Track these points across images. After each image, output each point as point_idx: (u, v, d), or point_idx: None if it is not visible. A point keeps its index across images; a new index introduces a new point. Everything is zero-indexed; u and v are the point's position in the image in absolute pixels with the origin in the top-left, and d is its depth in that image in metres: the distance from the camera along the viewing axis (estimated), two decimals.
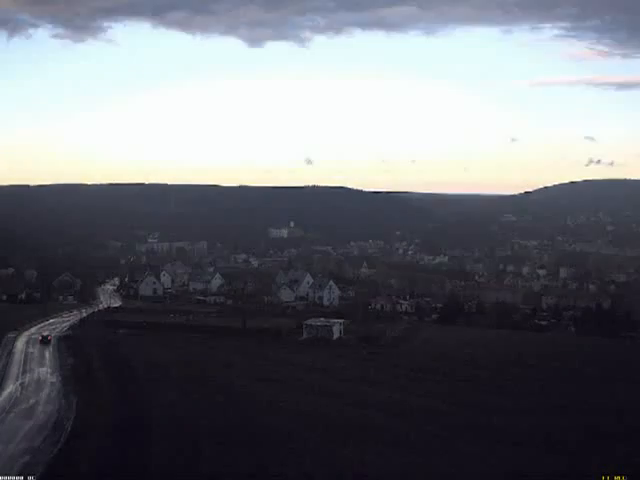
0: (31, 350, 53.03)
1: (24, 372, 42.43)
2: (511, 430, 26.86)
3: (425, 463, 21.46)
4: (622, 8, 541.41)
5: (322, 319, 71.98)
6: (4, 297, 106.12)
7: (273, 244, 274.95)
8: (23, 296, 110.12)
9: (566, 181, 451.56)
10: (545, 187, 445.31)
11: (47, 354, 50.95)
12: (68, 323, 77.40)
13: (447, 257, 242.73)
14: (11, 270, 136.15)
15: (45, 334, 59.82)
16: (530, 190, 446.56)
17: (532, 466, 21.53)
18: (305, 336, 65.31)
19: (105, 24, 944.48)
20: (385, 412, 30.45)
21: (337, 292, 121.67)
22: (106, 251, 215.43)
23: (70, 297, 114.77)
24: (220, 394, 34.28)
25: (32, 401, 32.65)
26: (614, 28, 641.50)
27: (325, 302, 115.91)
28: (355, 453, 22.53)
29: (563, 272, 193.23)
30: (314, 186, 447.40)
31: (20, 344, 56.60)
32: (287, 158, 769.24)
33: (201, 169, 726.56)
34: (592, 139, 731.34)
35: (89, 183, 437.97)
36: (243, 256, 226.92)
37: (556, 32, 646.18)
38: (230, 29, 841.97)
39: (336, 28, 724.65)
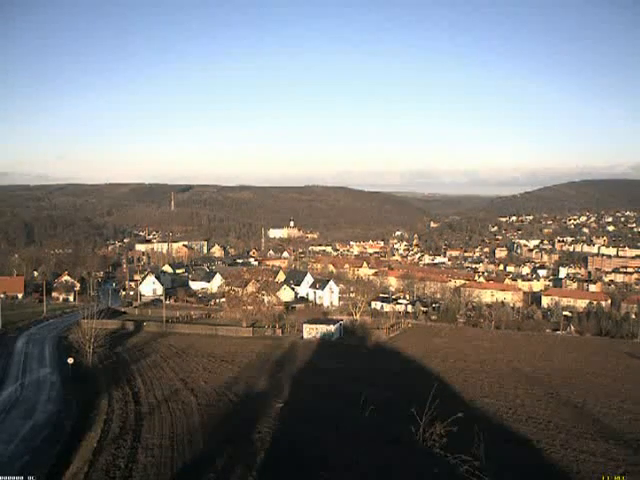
0: (31, 350, 53.02)
1: (24, 372, 42.38)
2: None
3: None
4: None
5: (322, 319, 71.99)
6: (4, 297, 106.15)
7: (273, 244, 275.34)
8: (23, 296, 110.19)
9: (566, 181, 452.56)
10: (545, 187, 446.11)
11: (47, 354, 50.95)
12: (68, 323, 77.39)
13: (447, 257, 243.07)
14: (12, 270, 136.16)
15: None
16: (530, 190, 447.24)
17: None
18: (305, 336, 65.32)
19: None
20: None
21: (337, 292, 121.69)
22: (106, 251, 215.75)
23: (70, 297, 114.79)
24: (223, 396, 34.24)
25: (32, 401, 32.62)
26: None
27: (325, 302, 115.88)
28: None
29: (563, 272, 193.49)
30: (314, 186, 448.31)
31: (20, 344, 56.65)
32: (288, 158, 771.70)
33: (201, 169, 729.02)
34: None
35: (89, 183, 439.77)
36: (243, 256, 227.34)
37: None
38: None
39: None
